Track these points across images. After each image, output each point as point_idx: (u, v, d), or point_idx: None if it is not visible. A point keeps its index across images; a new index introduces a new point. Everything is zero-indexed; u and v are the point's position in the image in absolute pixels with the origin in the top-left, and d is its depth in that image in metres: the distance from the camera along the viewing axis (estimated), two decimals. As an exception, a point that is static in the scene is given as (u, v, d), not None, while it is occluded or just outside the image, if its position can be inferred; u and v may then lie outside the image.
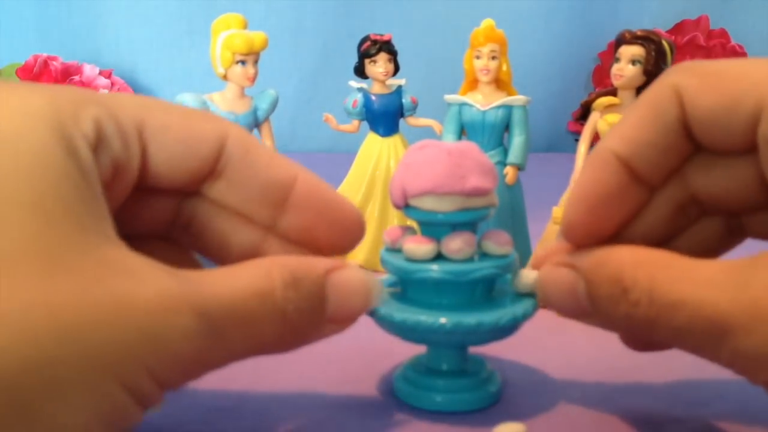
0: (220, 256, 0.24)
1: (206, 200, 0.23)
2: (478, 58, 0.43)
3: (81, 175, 0.18)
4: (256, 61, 0.44)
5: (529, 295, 0.26)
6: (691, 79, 0.21)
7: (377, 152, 0.50)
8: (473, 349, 0.29)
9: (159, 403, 0.18)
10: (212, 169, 0.22)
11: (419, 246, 0.26)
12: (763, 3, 1.10)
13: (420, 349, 0.29)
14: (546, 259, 0.24)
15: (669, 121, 0.21)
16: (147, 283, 0.17)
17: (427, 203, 0.26)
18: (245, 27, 0.44)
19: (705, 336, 0.19)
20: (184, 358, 0.18)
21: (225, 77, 0.44)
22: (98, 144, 0.19)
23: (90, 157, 0.19)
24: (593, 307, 0.22)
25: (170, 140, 0.21)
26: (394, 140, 0.50)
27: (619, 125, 0.22)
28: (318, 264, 0.22)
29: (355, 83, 0.50)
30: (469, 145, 0.26)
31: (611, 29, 0.56)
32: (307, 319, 0.21)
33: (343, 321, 0.23)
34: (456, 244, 0.26)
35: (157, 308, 0.17)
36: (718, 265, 0.20)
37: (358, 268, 0.24)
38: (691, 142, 0.22)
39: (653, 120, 0.21)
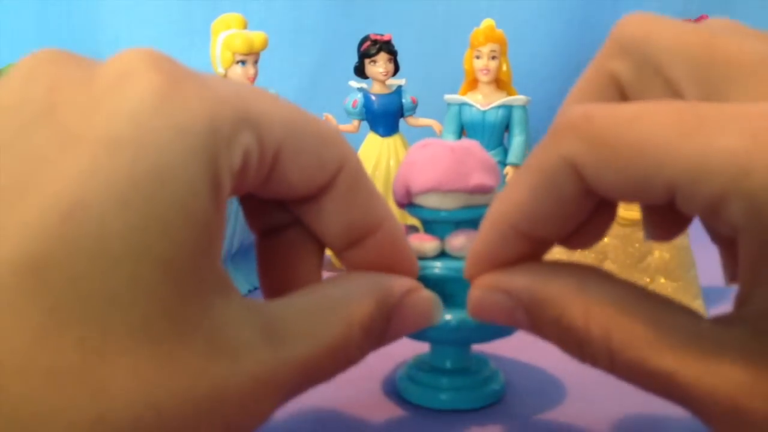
0: (283, 269, 0.22)
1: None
2: (478, 58, 0.44)
3: (217, 218, 0.17)
4: (256, 61, 0.44)
5: None
6: (586, 156, 0.17)
7: (377, 152, 0.50)
8: (475, 348, 0.29)
9: None
10: (316, 195, 0.21)
11: (423, 243, 0.26)
12: (762, 3, 1.10)
13: (422, 348, 0.29)
14: (474, 275, 0.21)
15: (569, 197, 0.18)
16: (243, 365, 0.17)
17: (431, 201, 0.26)
18: (245, 27, 0.44)
19: (702, 414, 0.17)
20: (256, 426, 0.18)
21: (225, 77, 0.44)
22: (238, 177, 0.18)
23: (227, 195, 0.17)
24: (542, 337, 0.20)
25: (297, 167, 0.19)
26: (394, 140, 0.50)
27: (512, 193, 0.20)
28: (395, 289, 0.21)
29: (355, 83, 0.50)
30: (472, 143, 0.27)
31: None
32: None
33: (393, 340, 0.21)
34: (459, 241, 0.26)
35: (247, 399, 0.17)
36: (690, 326, 0.17)
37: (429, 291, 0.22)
38: (598, 200, 0.19)
39: (550, 196, 0.19)
